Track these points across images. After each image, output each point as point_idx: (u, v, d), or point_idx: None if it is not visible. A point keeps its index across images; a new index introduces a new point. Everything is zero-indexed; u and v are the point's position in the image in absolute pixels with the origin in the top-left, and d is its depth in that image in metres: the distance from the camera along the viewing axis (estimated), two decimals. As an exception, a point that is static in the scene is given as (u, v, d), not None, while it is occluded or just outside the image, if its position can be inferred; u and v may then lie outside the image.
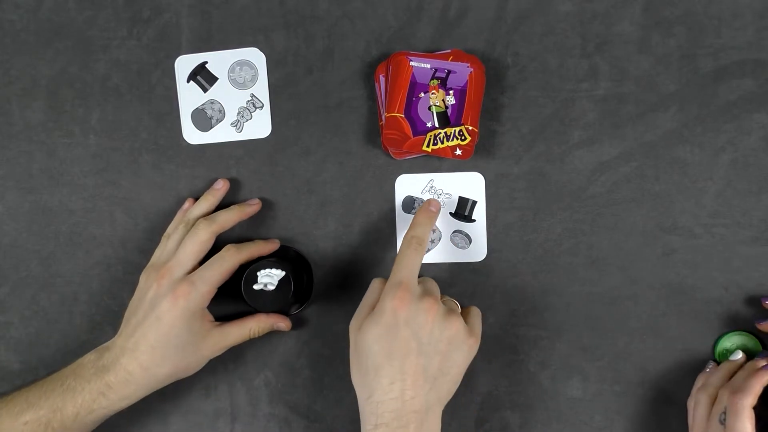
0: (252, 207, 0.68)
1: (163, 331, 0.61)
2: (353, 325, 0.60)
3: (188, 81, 0.70)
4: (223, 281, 0.63)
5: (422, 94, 0.66)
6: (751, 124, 0.67)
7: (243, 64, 0.70)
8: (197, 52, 0.70)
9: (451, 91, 0.66)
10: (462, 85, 0.66)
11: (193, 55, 0.70)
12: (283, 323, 0.67)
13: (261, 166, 0.70)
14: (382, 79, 0.68)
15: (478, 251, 0.69)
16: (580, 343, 0.69)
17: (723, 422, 0.60)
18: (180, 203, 0.70)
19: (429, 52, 0.68)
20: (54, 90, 0.71)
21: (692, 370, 0.68)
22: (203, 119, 0.70)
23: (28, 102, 0.71)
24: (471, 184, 0.69)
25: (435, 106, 0.66)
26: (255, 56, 0.70)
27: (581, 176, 0.68)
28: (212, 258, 0.63)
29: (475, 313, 0.63)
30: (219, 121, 0.70)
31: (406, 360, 0.56)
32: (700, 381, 0.66)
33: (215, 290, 0.63)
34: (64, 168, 0.71)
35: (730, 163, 0.68)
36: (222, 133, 0.70)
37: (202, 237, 0.64)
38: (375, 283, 0.61)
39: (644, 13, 0.68)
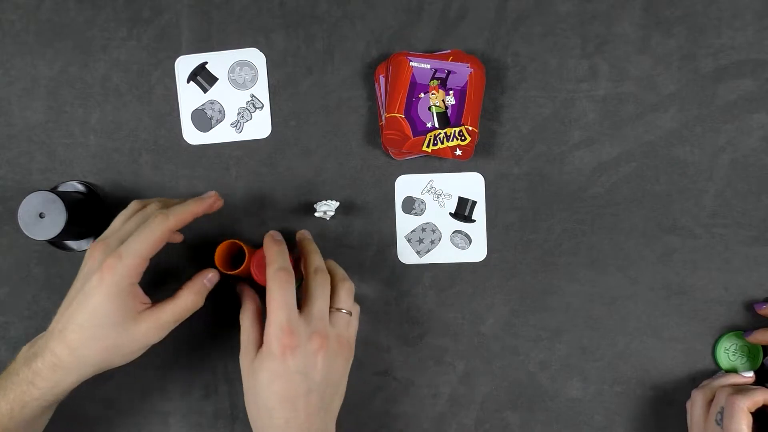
0: (209, 200, 0.62)
1: (90, 309, 0.56)
2: (244, 361, 0.59)
3: (188, 81, 0.70)
4: (154, 252, 0.57)
5: (422, 95, 0.66)
6: (751, 124, 0.67)
7: (243, 64, 0.70)
8: (197, 53, 0.70)
9: (451, 92, 0.66)
10: (462, 85, 0.66)
11: (193, 55, 0.70)
12: (209, 273, 0.62)
13: (261, 166, 0.70)
14: (382, 79, 0.68)
15: (478, 251, 0.69)
16: (580, 343, 0.69)
17: (720, 423, 0.60)
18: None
19: (429, 53, 0.68)
20: (54, 90, 0.71)
21: (692, 370, 0.68)
22: (203, 119, 0.70)
23: (28, 102, 0.71)
24: (471, 185, 0.69)
25: (435, 106, 0.66)
26: (255, 56, 0.70)
27: (581, 176, 0.68)
28: (140, 227, 0.58)
29: (355, 314, 0.63)
30: (219, 121, 0.70)
31: (299, 400, 0.56)
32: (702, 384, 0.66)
33: (145, 263, 0.57)
34: (64, 168, 0.71)
35: (730, 163, 0.68)
36: (222, 134, 0.70)
37: (156, 234, 0.57)
38: (245, 321, 0.60)
39: (644, 13, 0.68)
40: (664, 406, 0.68)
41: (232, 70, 0.70)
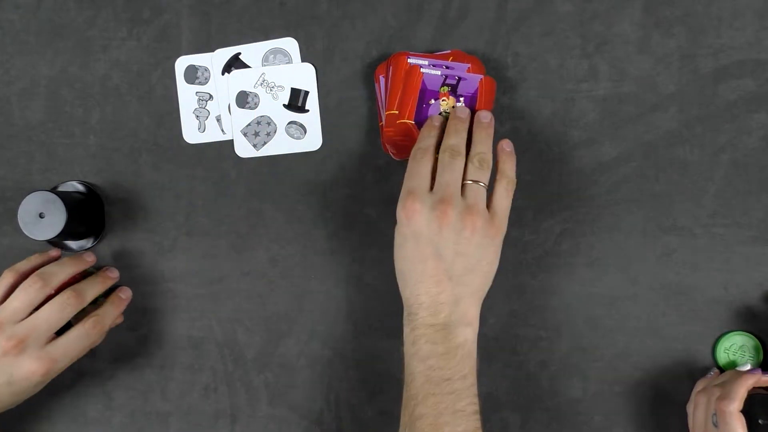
0: (88, 263, 0.67)
1: (10, 389, 0.61)
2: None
3: (223, 74, 0.69)
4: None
5: (433, 101, 0.66)
6: (751, 124, 0.67)
7: (276, 52, 0.69)
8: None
9: (461, 98, 0.66)
10: (472, 92, 0.66)
11: (226, 48, 0.70)
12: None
13: (261, 166, 0.70)
14: (382, 79, 0.68)
15: (313, 140, 0.69)
16: (580, 343, 0.69)
17: (716, 425, 0.60)
18: (179, 203, 0.70)
19: (429, 53, 0.68)
20: (54, 90, 0.71)
21: (692, 370, 0.68)
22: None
23: (28, 102, 0.71)
24: (302, 76, 0.69)
25: (446, 113, 0.66)
26: (290, 45, 0.69)
27: (581, 176, 0.68)
28: (76, 332, 0.63)
29: (500, 195, 0.61)
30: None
31: (425, 264, 0.58)
32: (700, 385, 0.66)
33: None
34: (64, 168, 0.71)
35: (730, 163, 0.68)
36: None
37: (66, 313, 0.62)
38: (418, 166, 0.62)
39: (644, 13, 0.68)
40: (664, 406, 0.68)
41: (266, 58, 0.69)
